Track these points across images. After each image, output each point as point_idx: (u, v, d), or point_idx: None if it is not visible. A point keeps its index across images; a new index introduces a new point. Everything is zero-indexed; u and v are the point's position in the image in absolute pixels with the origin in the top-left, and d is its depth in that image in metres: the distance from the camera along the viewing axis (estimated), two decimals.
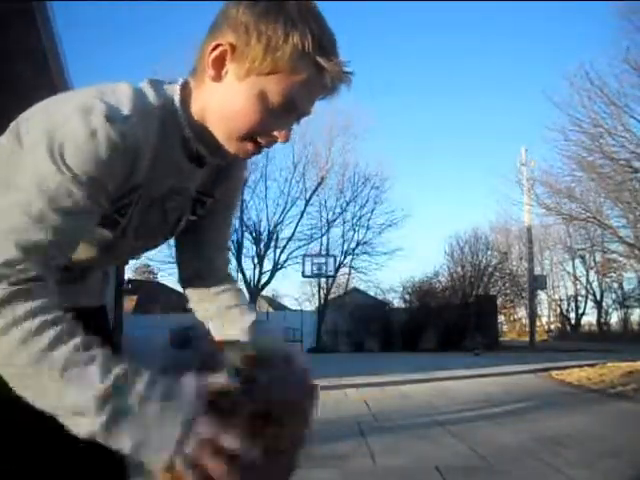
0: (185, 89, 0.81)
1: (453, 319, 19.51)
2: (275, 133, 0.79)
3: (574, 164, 13.41)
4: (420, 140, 49.34)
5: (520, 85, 49.51)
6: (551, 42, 46.18)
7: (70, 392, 0.59)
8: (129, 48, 47.82)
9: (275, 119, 0.77)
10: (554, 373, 8.10)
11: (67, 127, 0.69)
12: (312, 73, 0.74)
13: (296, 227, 21.89)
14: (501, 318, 28.81)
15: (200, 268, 1.07)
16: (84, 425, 0.59)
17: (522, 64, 46.80)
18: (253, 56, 0.73)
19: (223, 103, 0.77)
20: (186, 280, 1.10)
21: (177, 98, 0.80)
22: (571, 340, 28.79)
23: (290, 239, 21.82)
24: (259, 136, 0.79)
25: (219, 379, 0.64)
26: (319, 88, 0.77)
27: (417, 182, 50.10)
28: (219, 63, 0.75)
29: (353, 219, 22.38)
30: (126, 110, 0.72)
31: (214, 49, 0.75)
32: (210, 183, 0.96)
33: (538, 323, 32.26)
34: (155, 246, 1.03)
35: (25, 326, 0.60)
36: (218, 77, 0.76)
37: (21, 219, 0.66)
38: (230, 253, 1.22)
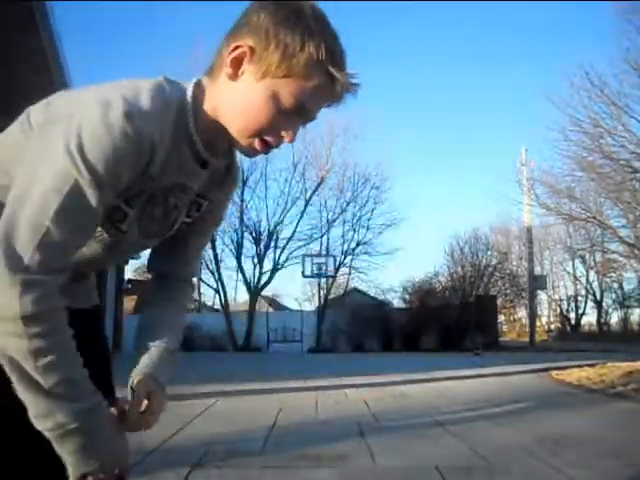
0: (198, 86, 0.85)
1: (453, 319, 19.49)
2: (283, 133, 0.83)
3: (574, 164, 13.43)
4: (420, 140, 49.35)
5: (520, 85, 49.51)
6: (551, 42, 46.20)
7: (40, 407, 0.72)
8: (129, 48, 47.82)
9: (285, 119, 0.81)
10: (554, 373, 8.09)
11: (85, 120, 0.72)
12: (323, 81, 0.79)
13: (296, 227, 21.86)
14: (501, 318, 28.79)
15: (167, 269, 1.07)
16: (42, 429, 0.74)
17: (522, 64, 46.80)
18: (270, 61, 0.78)
19: (238, 100, 0.81)
20: (152, 274, 1.10)
21: (189, 94, 0.83)
22: (571, 340, 28.78)
23: (290, 239, 21.79)
24: (268, 134, 0.83)
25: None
26: (328, 96, 0.82)
27: (417, 182, 50.12)
28: (237, 63, 0.80)
29: (353, 219, 22.35)
30: (145, 107, 0.75)
31: (234, 49, 0.79)
32: (205, 187, 0.97)
33: (538, 323, 32.24)
34: (153, 243, 1.03)
35: (36, 342, 0.70)
36: (235, 76, 0.80)
37: (41, 218, 0.69)
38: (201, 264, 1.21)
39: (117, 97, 0.73)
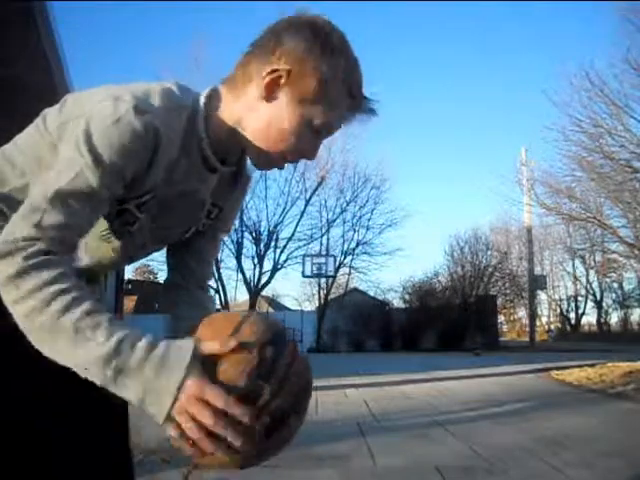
0: (215, 94, 0.88)
1: (453, 319, 19.51)
2: (305, 152, 0.89)
3: (574, 164, 13.40)
4: (420, 140, 49.36)
5: (520, 85, 49.51)
6: (551, 42, 46.22)
7: (79, 354, 0.67)
8: (130, 48, 47.81)
9: (311, 141, 0.87)
10: (554, 373, 8.09)
11: (96, 112, 0.75)
12: (349, 106, 0.87)
13: (296, 227, 21.88)
14: (501, 318, 28.82)
15: (181, 275, 1.09)
16: (94, 379, 0.67)
17: (522, 64, 46.81)
18: (307, 87, 0.82)
19: (271, 121, 0.84)
20: (169, 282, 1.12)
21: (203, 100, 0.86)
22: (571, 340, 28.80)
23: (290, 239, 21.81)
24: (291, 154, 0.88)
25: (214, 344, 0.71)
26: (351, 119, 0.90)
27: (417, 182, 50.13)
28: (273, 86, 0.82)
29: (353, 219, 22.38)
30: (154, 104, 0.78)
31: (271, 72, 0.81)
32: (215, 194, 0.98)
33: (538, 323, 32.27)
34: (164, 247, 1.06)
35: (37, 297, 0.67)
36: (270, 98, 0.83)
37: (40, 199, 0.72)
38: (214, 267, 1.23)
39: (127, 93, 0.76)
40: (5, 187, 0.84)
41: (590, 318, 36.41)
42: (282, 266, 21.71)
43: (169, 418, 0.69)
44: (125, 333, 0.68)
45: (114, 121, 0.73)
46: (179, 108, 0.82)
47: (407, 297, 22.01)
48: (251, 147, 0.87)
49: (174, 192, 0.89)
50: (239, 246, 21.17)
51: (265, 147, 0.86)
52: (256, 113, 0.85)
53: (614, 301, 35.35)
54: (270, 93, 0.83)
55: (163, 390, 0.67)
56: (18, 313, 0.67)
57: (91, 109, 0.76)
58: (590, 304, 35.46)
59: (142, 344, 0.68)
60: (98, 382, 0.67)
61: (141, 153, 0.77)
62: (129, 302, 25.37)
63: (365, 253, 22.53)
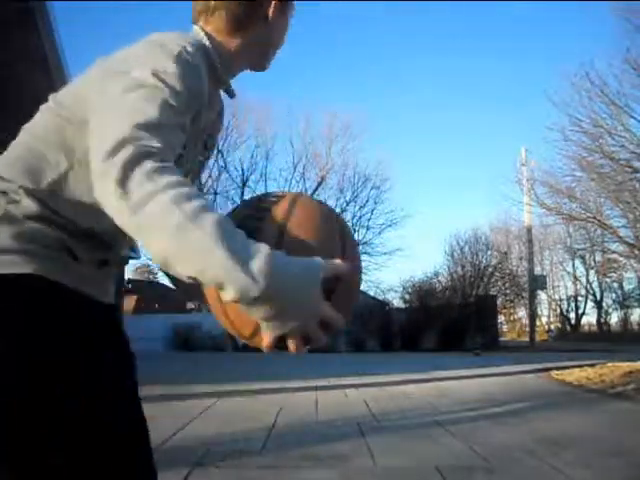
0: (204, 31, 0.96)
1: (453, 319, 19.49)
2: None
3: (574, 164, 13.41)
4: (420, 140, 49.37)
5: (520, 85, 49.52)
6: (551, 42, 46.21)
7: (220, 254, 0.61)
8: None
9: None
10: (554, 373, 8.10)
11: (151, 57, 0.79)
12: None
13: None
14: (501, 318, 28.80)
15: None
16: (234, 282, 0.62)
17: (522, 64, 46.81)
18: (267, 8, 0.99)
19: (273, 35, 1.01)
20: None
21: (203, 35, 0.94)
22: (571, 340, 28.80)
23: None
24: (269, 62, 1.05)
25: (341, 265, 0.73)
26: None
27: (417, 182, 50.13)
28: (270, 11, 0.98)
29: (353, 219, 22.37)
30: (188, 48, 0.83)
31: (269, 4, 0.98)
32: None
33: (538, 323, 32.26)
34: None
35: (180, 190, 0.63)
36: (270, 18, 0.98)
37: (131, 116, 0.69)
38: None
39: (169, 40, 0.82)
40: (45, 183, 0.80)
41: (590, 318, 36.45)
42: None
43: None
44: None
45: (175, 57, 0.78)
46: (199, 47, 0.88)
47: (407, 297, 22.01)
48: (245, 63, 1.01)
49: (202, 127, 0.93)
50: None
51: (268, 59, 1.03)
52: (261, 33, 0.98)
53: (614, 301, 35.37)
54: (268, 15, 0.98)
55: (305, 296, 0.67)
56: (151, 208, 0.61)
57: (144, 56, 0.79)
58: (590, 304, 35.49)
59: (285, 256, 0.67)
60: (236, 286, 0.62)
61: (202, 82, 0.83)
62: (129, 302, 25.35)
63: (365, 253, 22.53)
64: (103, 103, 0.74)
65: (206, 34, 0.94)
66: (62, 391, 0.72)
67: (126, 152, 0.64)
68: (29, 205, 0.77)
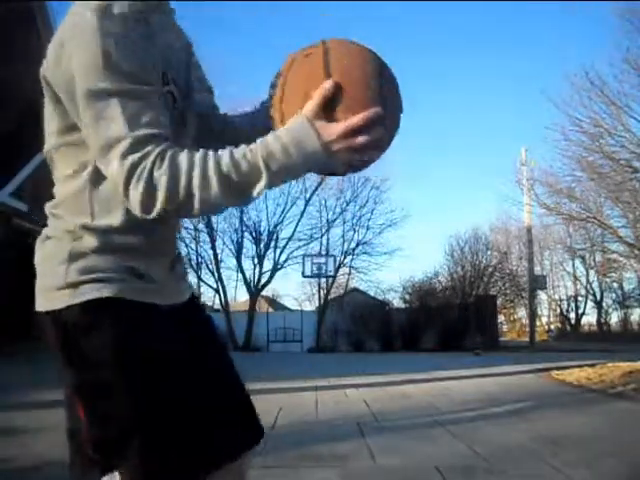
0: None
1: (453, 319, 19.49)
2: None
3: (574, 164, 13.40)
4: (420, 140, 49.34)
5: (520, 85, 49.53)
6: (551, 42, 46.22)
7: (251, 178, 0.82)
8: None
9: None
10: (554, 373, 8.09)
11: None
12: None
13: (296, 227, 21.83)
14: (501, 318, 28.80)
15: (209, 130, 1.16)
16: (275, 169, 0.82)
17: (522, 64, 46.81)
18: None
19: None
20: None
21: None
22: (571, 340, 28.78)
23: (290, 239, 21.77)
24: None
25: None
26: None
27: (417, 182, 50.14)
28: None
29: (353, 219, 22.33)
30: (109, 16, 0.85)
31: None
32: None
33: (538, 323, 32.26)
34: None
35: (212, 166, 0.80)
36: None
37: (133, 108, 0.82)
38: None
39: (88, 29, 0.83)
40: (98, 217, 0.91)
41: (590, 318, 36.41)
42: (282, 266, 21.70)
43: (326, 150, 0.83)
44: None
45: (102, 47, 0.81)
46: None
47: (407, 297, 21.99)
48: None
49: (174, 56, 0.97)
50: (239, 246, 21.17)
51: None
52: None
53: (614, 301, 35.33)
54: None
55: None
56: (214, 187, 0.79)
57: (85, 66, 0.82)
58: (590, 304, 35.46)
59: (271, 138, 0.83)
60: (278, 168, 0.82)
61: (141, 41, 0.85)
62: None
63: (365, 253, 22.53)
64: (90, 127, 0.83)
65: None
66: (159, 356, 0.91)
67: (126, 155, 0.80)
68: (90, 240, 0.90)
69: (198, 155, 0.80)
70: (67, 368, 0.90)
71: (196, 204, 0.80)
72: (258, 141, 0.82)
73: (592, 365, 8.76)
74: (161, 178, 0.78)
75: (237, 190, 0.81)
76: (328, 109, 0.83)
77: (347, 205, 22.25)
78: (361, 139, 0.82)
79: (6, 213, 9.91)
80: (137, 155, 0.79)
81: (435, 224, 53.98)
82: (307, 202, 21.81)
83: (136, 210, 0.81)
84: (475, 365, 9.76)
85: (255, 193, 0.82)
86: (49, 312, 0.90)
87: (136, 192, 0.79)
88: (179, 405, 0.90)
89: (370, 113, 0.82)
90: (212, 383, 0.99)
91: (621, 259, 21.48)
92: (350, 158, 0.86)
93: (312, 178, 22.00)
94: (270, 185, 0.82)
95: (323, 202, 22.34)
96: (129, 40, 0.82)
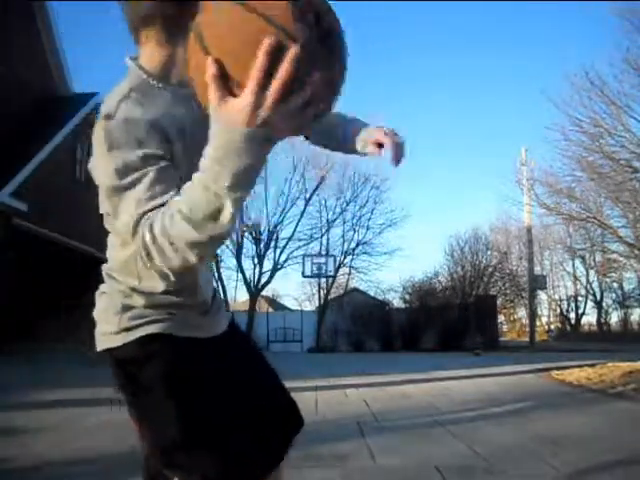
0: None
1: (453, 319, 19.51)
2: None
3: (574, 164, 13.41)
4: (420, 140, 49.34)
5: (520, 85, 49.53)
6: (551, 42, 46.23)
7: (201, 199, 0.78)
8: (130, 48, 47.74)
9: None
10: (554, 373, 8.09)
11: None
12: None
13: (296, 227, 21.87)
14: (501, 318, 28.82)
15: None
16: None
17: (522, 64, 46.82)
18: None
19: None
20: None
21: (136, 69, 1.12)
22: (571, 340, 28.81)
23: (290, 239, 21.80)
24: None
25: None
26: None
27: (417, 182, 50.15)
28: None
29: (353, 219, 22.37)
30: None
31: None
32: None
33: (538, 323, 32.29)
34: None
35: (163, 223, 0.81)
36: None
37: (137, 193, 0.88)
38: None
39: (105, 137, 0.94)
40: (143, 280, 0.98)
41: (590, 318, 36.44)
42: (282, 266, 21.73)
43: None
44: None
45: (109, 152, 0.90)
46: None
47: (407, 297, 22.02)
48: None
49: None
50: (239, 246, 21.19)
51: None
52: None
53: (614, 301, 35.35)
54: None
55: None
56: (193, 250, 0.80)
57: (103, 169, 0.92)
58: (590, 304, 35.49)
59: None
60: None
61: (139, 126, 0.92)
62: None
63: (365, 253, 22.56)
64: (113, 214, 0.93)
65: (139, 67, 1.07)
66: (201, 376, 1.09)
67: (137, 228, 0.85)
68: (138, 298, 1.05)
69: (166, 214, 0.82)
70: (128, 395, 1.09)
71: (188, 255, 0.81)
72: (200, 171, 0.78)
73: (592, 365, 8.75)
74: (153, 254, 0.83)
75: (208, 218, 0.78)
76: (232, 85, 0.70)
77: (347, 205, 22.31)
78: (274, 86, 0.67)
79: (6, 213, 9.92)
80: (138, 239, 0.85)
81: (435, 224, 54.07)
82: (307, 202, 21.86)
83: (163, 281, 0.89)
84: (475, 365, 9.76)
85: (226, 219, 0.78)
86: (108, 350, 1.08)
87: (151, 272, 0.86)
88: (223, 418, 1.07)
89: (259, 60, 0.66)
90: (252, 394, 1.16)
91: (621, 259, 21.49)
92: (287, 113, 0.70)
93: (312, 178, 22.08)
94: (236, 202, 0.77)
95: (323, 202, 22.39)
96: (130, 129, 0.91)
